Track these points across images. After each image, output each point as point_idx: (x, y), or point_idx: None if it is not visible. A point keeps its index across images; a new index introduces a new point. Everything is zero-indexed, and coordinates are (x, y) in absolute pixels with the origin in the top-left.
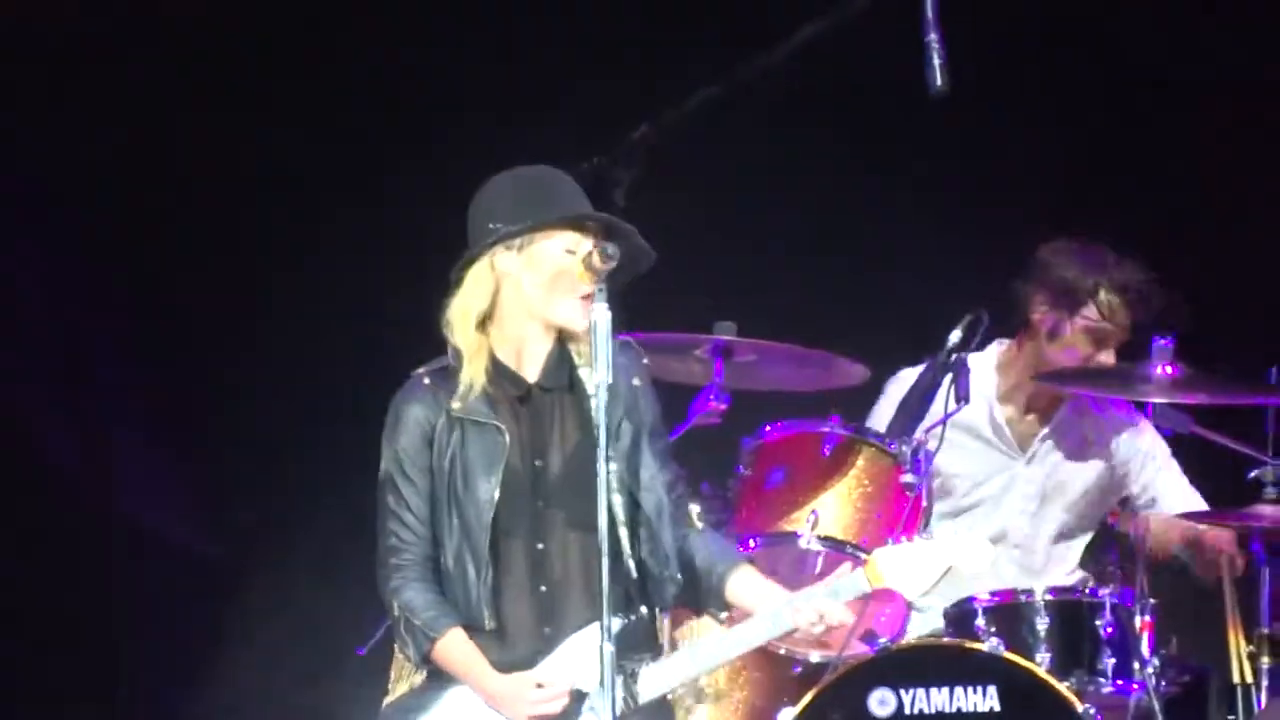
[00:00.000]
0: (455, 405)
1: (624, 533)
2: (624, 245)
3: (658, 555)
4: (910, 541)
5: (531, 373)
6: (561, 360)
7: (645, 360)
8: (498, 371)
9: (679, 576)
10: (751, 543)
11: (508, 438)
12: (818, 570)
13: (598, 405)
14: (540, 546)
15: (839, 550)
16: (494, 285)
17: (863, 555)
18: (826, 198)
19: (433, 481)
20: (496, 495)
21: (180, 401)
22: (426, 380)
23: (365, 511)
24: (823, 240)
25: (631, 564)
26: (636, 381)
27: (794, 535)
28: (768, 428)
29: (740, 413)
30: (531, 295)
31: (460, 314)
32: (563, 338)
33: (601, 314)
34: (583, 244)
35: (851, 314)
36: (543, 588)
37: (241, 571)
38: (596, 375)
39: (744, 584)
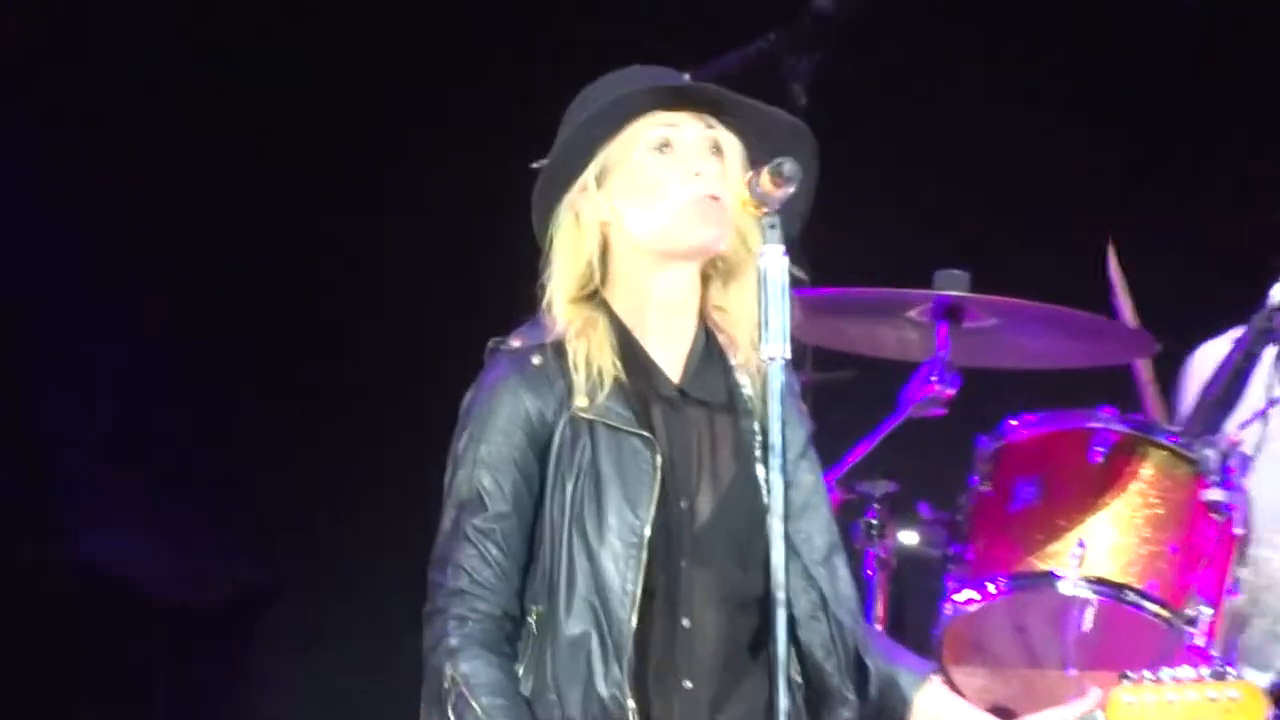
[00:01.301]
0: (581, 401)
1: (796, 620)
2: (799, 159)
3: (835, 657)
4: (1177, 679)
5: (671, 373)
6: (709, 360)
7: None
8: (633, 358)
9: (852, 697)
10: (991, 587)
11: (659, 458)
12: (1085, 627)
13: (770, 412)
14: (686, 624)
15: (1116, 598)
16: (592, 247)
17: (1151, 606)
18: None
19: (538, 508)
20: (648, 533)
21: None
22: (535, 359)
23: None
24: (1092, 167)
25: (798, 670)
26: (804, 409)
27: (1052, 576)
28: (1014, 423)
29: (973, 401)
30: (638, 230)
31: (559, 290)
32: (710, 327)
33: (776, 259)
34: (685, 134)
35: (1132, 264)
36: (686, 684)
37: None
38: (766, 348)
39: (936, 709)
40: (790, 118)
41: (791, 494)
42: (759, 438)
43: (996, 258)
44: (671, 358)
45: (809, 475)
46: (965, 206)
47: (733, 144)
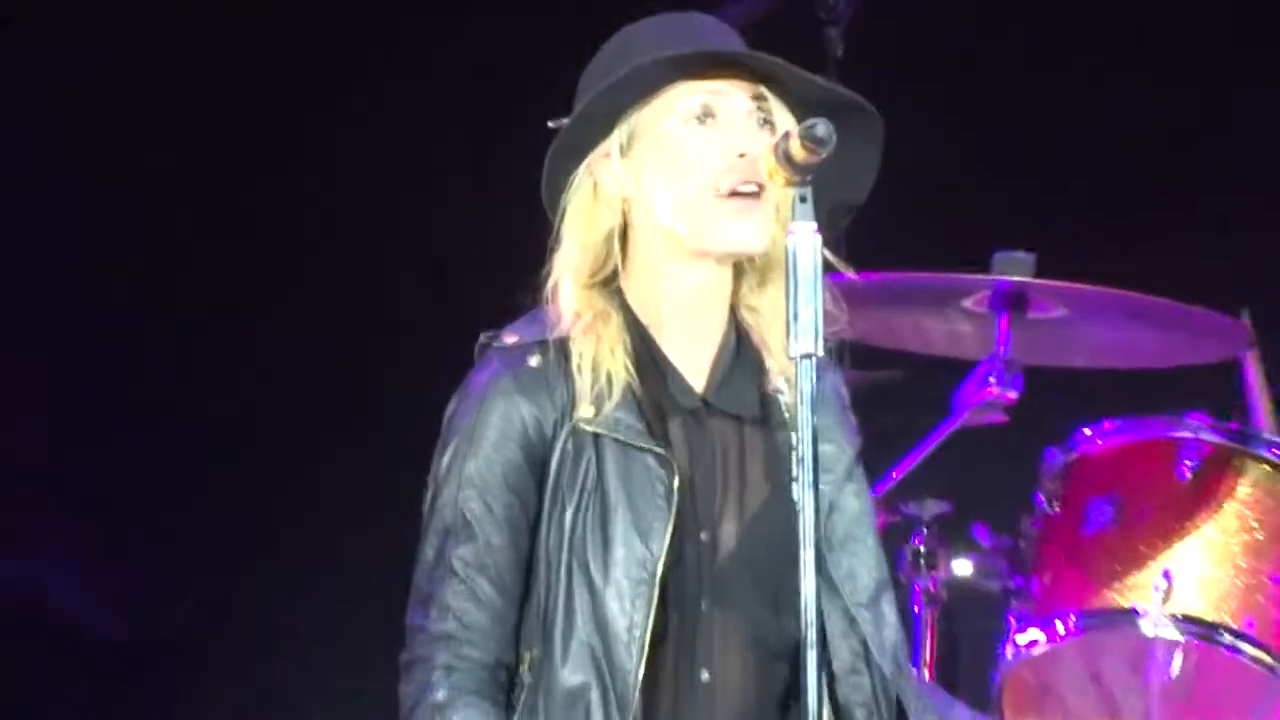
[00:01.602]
0: (586, 410)
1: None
2: (838, 127)
3: (877, 717)
4: None
5: (694, 380)
6: (740, 365)
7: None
8: (649, 361)
9: None
10: (1061, 626)
11: (677, 479)
12: (1172, 673)
13: (800, 420)
14: (705, 676)
15: (1209, 639)
16: (611, 223)
17: (1249, 649)
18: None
19: (534, 536)
20: (660, 569)
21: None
22: (534, 359)
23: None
24: (1174, 132)
25: None
26: (853, 419)
27: (1132, 613)
28: (1087, 432)
29: (1039, 406)
30: (665, 215)
31: (568, 273)
32: (742, 328)
33: (806, 239)
34: (731, 104)
35: (1222, 242)
36: None
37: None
38: (794, 345)
39: None
40: (855, 96)
41: (834, 520)
42: (794, 452)
43: (1065, 237)
44: (695, 362)
45: (854, 500)
46: (1028, 178)
47: (786, 119)
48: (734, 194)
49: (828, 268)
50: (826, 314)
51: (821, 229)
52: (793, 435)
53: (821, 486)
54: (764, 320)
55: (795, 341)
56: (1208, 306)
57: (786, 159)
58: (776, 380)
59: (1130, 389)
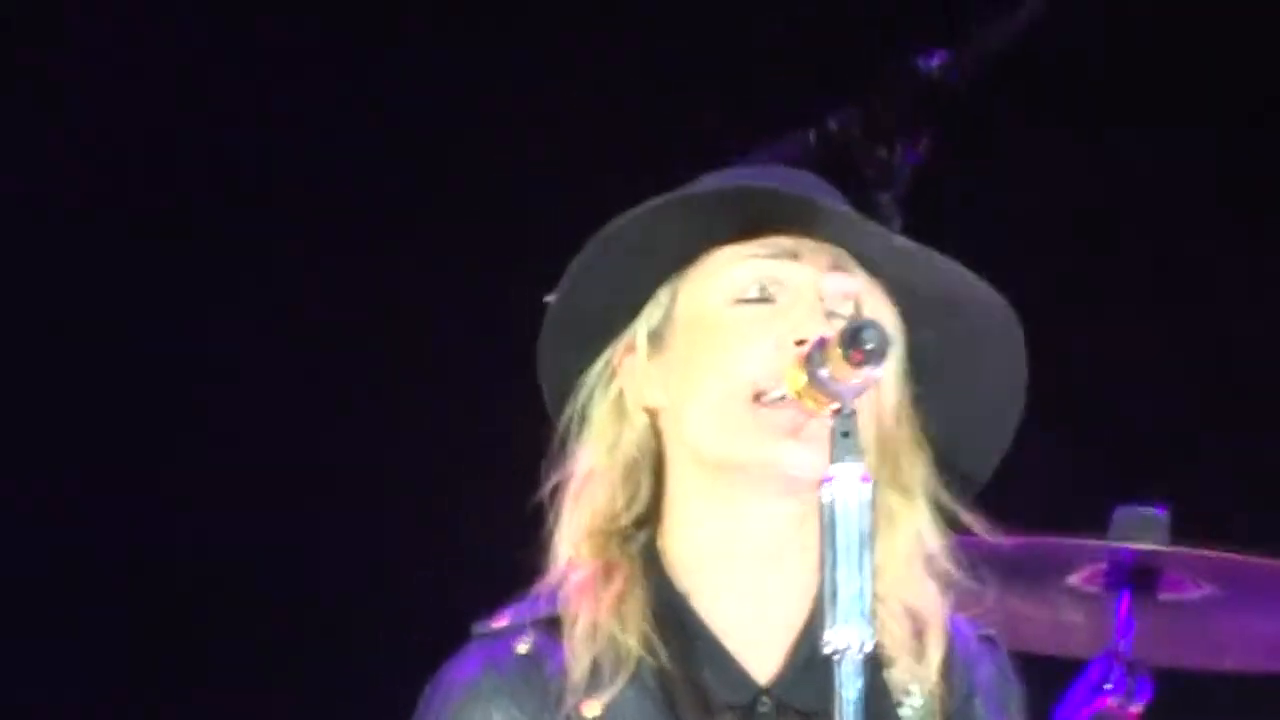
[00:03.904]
0: (590, 709)
1: None
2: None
3: None
4: None
5: (758, 664)
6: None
7: (1023, 690)
8: (682, 636)
9: None
10: None
11: None
12: None
13: (839, 717)
14: None
15: None
16: (637, 449)
17: None
18: None
19: None
20: None
21: None
22: (522, 645)
23: None
24: None
25: None
26: None
27: None
28: None
29: None
30: (696, 429)
31: (582, 514)
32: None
33: (849, 488)
34: (798, 277)
35: None
36: None
37: None
38: (831, 634)
39: None
40: (988, 289)
41: None
42: None
43: (1210, 488)
44: (761, 640)
45: None
46: (1159, 403)
47: (881, 308)
48: (774, 401)
49: (956, 527)
50: (970, 591)
51: (954, 492)
52: None
53: None
54: (883, 584)
55: (832, 632)
56: None
57: (821, 376)
58: (897, 677)
59: None
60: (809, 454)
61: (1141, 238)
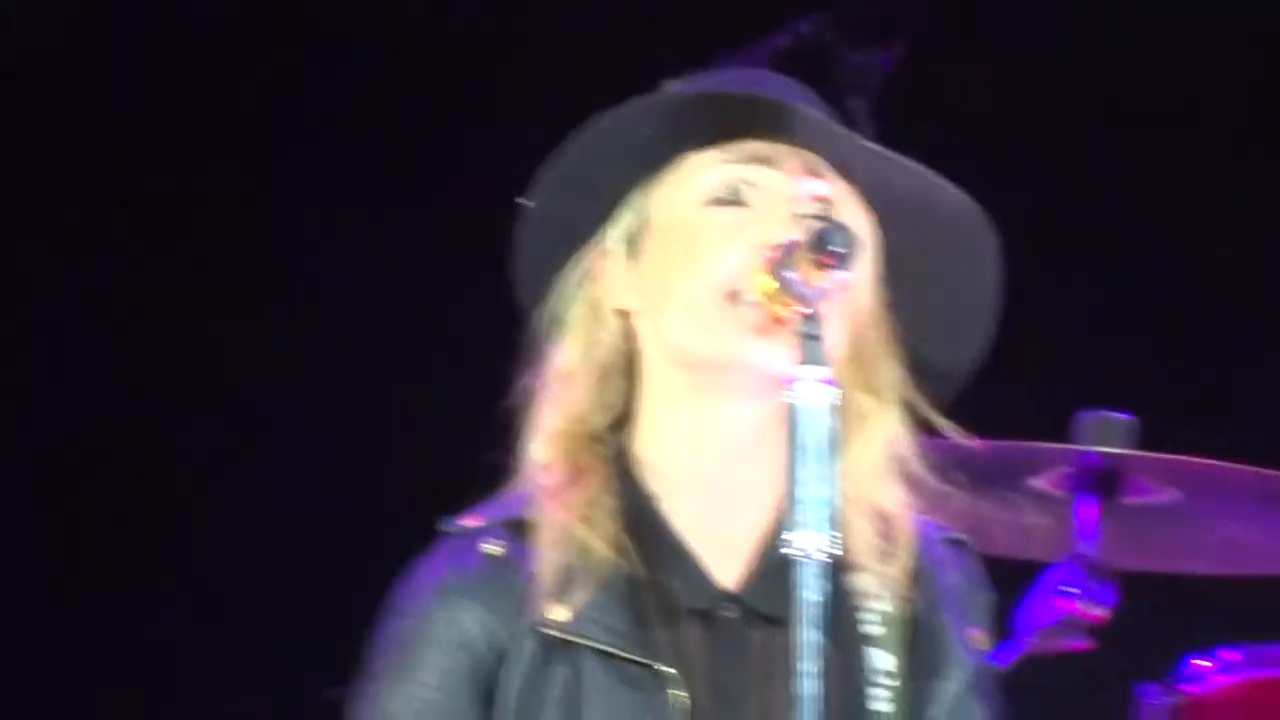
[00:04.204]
0: (557, 612)
1: None
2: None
3: None
4: None
5: (725, 568)
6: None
7: (992, 594)
8: (652, 541)
9: None
10: None
11: (686, 705)
12: None
13: (798, 648)
14: None
15: None
16: (612, 353)
17: None
18: None
19: None
20: None
21: None
22: (490, 547)
23: None
24: None
25: None
26: (980, 639)
27: None
28: (1202, 663)
29: (1137, 628)
30: (674, 331)
31: (556, 418)
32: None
33: (814, 392)
34: (769, 181)
35: None
36: None
37: None
38: (792, 536)
39: None
40: (961, 194)
41: None
42: (888, 681)
43: (1175, 394)
44: (729, 544)
45: None
46: (1125, 314)
47: (854, 213)
48: (746, 302)
49: (930, 430)
50: (937, 494)
51: (927, 397)
52: (887, 658)
53: None
54: (853, 487)
55: (794, 534)
56: None
57: (789, 280)
58: (860, 579)
59: (1262, 604)
60: (777, 351)
61: (1107, 150)
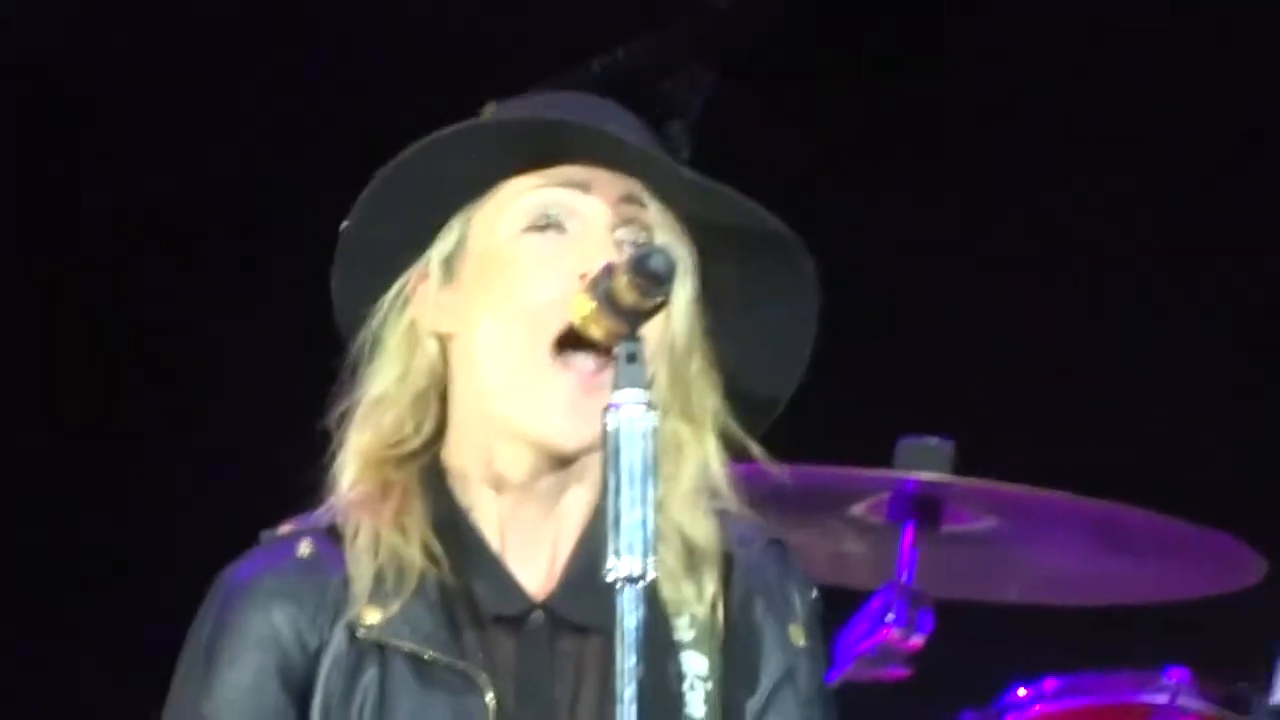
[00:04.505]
0: (369, 614)
1: None
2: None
3: None
4: None
5: (534, 576)
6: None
7: (814, 591)
8: (459, 547)
9: None
10: None
11: (492, 707)
12: None
13: (620, 671)
14: None
15: None
16: (429, 372)
17: None
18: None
19: None
20: None
21: None
22: (304, 547)
23: None
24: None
25: None
26: (799, 638)
27: None
28: (1021, 692)
29: (956, 655)
30: (488, 373)
31: (365, 435)
32: None
33: (633, 416)
34: (586, 208)
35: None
36: None
37: None
38: (616, 565)
39: None
40: (778, 222)
41: None
42: (700, 684)
43: (994, 420)
44: (536, 556)
45: None
46: (944, 341)
47: (673, 239)
48: (560, 370)
49: (742, 458)
50: (746, 522)
51: (744, 424)
52: (689, 658)
53: None
54: (664, 518)
55: (615, 559)
56: (1199, 521)
57: (609, 302)
58: (676, 585)
59: (1083, 633)
60: (581, 429)
61: (923, 172)
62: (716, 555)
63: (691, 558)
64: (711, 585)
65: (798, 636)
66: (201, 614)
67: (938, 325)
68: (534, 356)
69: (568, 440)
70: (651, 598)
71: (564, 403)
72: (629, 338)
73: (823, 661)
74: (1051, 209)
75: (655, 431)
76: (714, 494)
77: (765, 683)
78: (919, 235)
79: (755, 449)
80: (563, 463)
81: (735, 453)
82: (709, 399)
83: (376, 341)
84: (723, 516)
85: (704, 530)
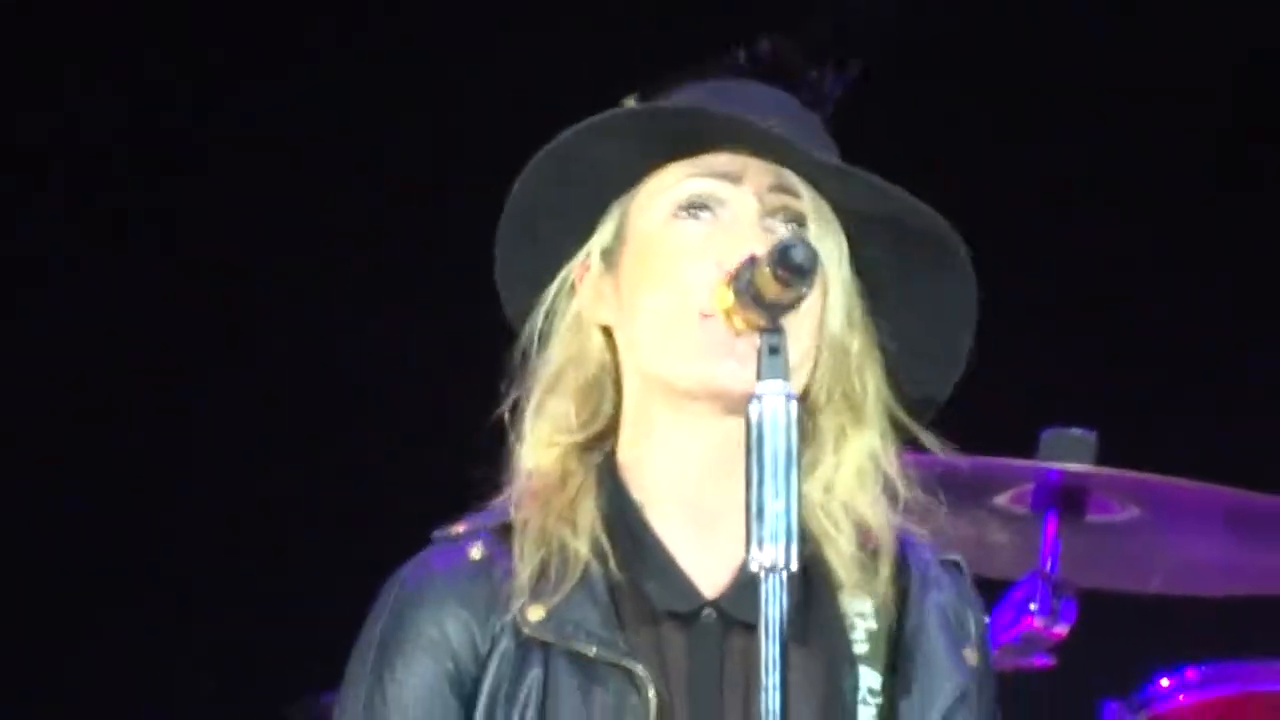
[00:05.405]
0: (534, 612)
1: None
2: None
3: None
4: None
5: (707, 576)
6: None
7: (987, 615)
8: (631, 544)
9: None
10: None
11: (655, 709)
12: None
13: (764, 662)
14: None
15: None
16: (596, 365)
17: None
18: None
19: None
20: None
21: None
22: (476, 549)
23: None
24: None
25: None
26: (974, 660)
27: None
28: (1164, 682)
29: (1100, 645)
30: (647, 348)
31: (544, 427)
32: (805, 512)
33: (776, 406)
34: (738, 196)
35: None
36: None
37: None
38: (756, 553)
39: None
40: (931, 211)
41: None
42: (871, 699)
43: (1138, 412)
44: (708, 555)
45: None
46: (1090, 333)
47: (826, 227)
48: (701, 318)
49: (916, 445)
50: (922, 508)
51: (908, 412)
52: (874, 676)
53: None
54: (834, 501)
55: (758, 549)
56: None
57: (751, 295)
58: (847, 597)
59: (1226, 623)
60: (743, 370)
61: (1073, 163)
62: (890, 545)
63: (868, 546)
64: (885, 570)
65: (972, 658)
66: (373, 616)
67: (1081, 317)
68: (685, 317)
69: (731, 380)
70: (827, 605)
71: (720, 346)
72: (770, 330)
73: (994, 683)
74: (1191, 201)
75: (798, 421)
76: (882, 479)
77: (940, 703)
78: (1058, 221)
79: (923, 436)
80: (732, 429)
81: (900, 441)
82: (871, 383)
83: (545, 331)
84: (899, 532)
85: (875, 512)
